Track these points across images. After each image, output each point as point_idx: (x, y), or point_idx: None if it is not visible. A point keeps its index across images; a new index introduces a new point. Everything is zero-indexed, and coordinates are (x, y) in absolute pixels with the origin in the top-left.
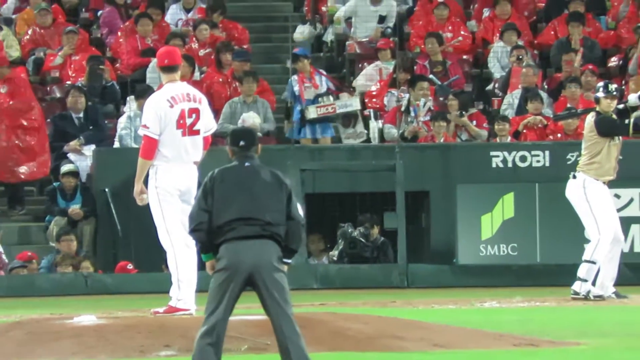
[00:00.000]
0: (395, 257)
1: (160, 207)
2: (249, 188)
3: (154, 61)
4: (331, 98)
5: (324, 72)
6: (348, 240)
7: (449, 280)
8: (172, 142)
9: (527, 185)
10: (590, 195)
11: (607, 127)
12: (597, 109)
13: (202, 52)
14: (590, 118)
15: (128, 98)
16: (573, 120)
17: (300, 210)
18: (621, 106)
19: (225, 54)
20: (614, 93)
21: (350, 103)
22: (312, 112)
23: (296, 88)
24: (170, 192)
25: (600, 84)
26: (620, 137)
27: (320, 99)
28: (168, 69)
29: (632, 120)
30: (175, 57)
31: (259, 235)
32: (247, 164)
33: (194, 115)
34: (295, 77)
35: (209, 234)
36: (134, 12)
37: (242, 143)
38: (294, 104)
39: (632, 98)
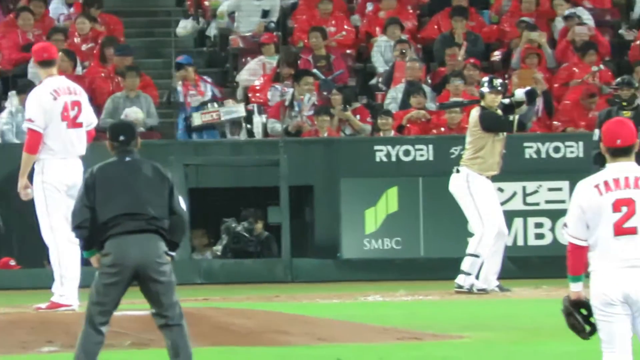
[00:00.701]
0: (279, 251)
1: (46, 202)
2: (131, 183)
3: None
4: (216, 105)
5: (209, 80)
6: (232, 235)
7: (333, 275)
8: (57, 135)
9: (410, 180)
10: (474, 190)
11: (491, 123)
12: (482, 103)
13: (84, 47)
14: (475, 113)
15: (9, 93)
16: (457, 110)
17: (182, 204)
18: (507, 101)
19: (109, 49)
20: (499, 88)
21: (235, 110)
22: (196, 119)
23: (181, 96)
24: (57, 188)
25: (485, 79)
26: (505, 133)
27: (205, 106)
28: (46, 63)
29: (516, 116)
30: (52, 52)
31: (144, 229)
32: (127, 158)
33: (76, 108)
34: (179, 84)
35: (92, 230)
36: (17, 6)
37: (122, 138)
38: (178, 112)
39: (518, 93)
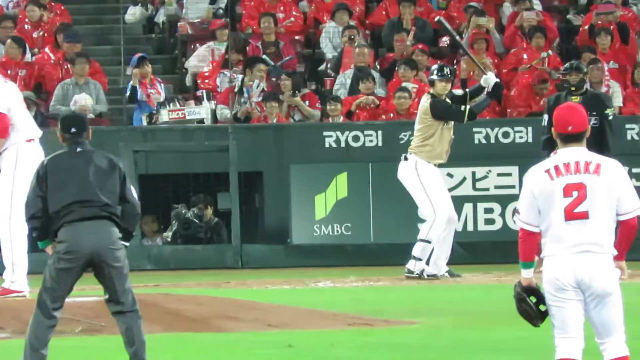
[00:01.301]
0: (229, 237)
1: (12, 190)
2: (82, 172)
3: None
4: (178, 104)
5: (162, 81)
6: (182, 221)
7: (283, 261)
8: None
9: (360, 165)
10: (423, 177)
11: (442, 112)
12: (432, 91)
13: (35, 34)
14: (425, 101)
15: None
16: (406, 95)
17: (134, 193)
18: (460, 92)
19: (60, 36)
20: (449, 76)
21: (198, 111)
22: (164, 116)
23: (141, 93)
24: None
25: (435, 66)
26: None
27: (168, 105)
28: None
29: (468, 107)
30: None
31: (97, 216)
32: (78, 149)
33: None
34: (136, 81)
35: (45, 220)
36: None
37: (73, 130)
38: (134, 109)
39: (491, 78)
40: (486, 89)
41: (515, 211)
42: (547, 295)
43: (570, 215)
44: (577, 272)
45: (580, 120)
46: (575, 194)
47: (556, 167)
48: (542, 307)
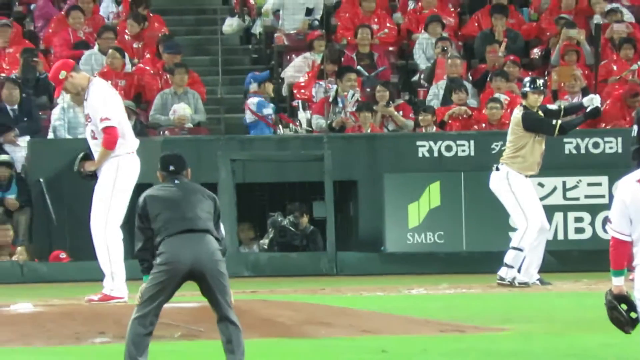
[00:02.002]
0: (324, 245)
1: (110, 199)
2: (180, 196)
3: (86, 53)
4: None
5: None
6: (278, 229)
7: (376, 268)
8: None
9: (452, 174)
10: (515, 187)
11: (532, 123)
12: (524, 103)
13: (136, 45)
14: (517, 113)
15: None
16: (497, 106)
17: (223, 231)
18: (555, 107)
19: (161, 47)
20: (541, 88)
21: None
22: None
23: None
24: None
25: (527, 78)
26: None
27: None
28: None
29: (559, 121)
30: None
31: (196, 229)
32: (176, 181)
33: None
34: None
35: (152, 251)
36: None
37: (171, 168)
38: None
39: (595, 100)
40: (586, 109)
41: (607, 220)
42: (638, 302)
43: None
44: None
45: None
46: None
47: None
48: (633, 315)
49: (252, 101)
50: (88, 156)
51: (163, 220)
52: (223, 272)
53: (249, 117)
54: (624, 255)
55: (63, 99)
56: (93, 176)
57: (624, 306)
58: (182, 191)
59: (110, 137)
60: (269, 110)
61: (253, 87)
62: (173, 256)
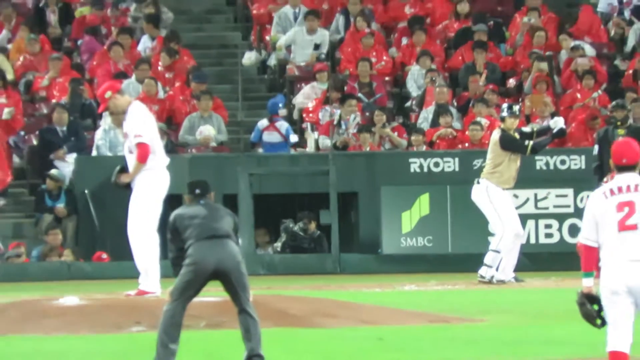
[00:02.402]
0: (330, 247)
1: (143, 207)
2: (206, 212)
3: (125, 82)
4: None
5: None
6: (289, 234)
7: (374, 268)
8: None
9: (440, 187)
10: (493, 198)
11: (508, 144)
12: (502, 126)
13: (168, 75)
14: (496, 134)
15: (104, 114)
16: (478, 128)
17: (240, 242)
18: (528, 129)
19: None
20: (517, 113)
21: None
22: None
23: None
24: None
25: (505, 105)
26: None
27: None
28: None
29: (531, 142)
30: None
31: (219, 235)
32: (201, 202)
33: None
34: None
35: (183, 257)
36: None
37: (197, 191)
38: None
39: (559, 122)
40: (553, 130)
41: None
42: (602, 298)
43: (623, 227)
44: (629, 279)
45: (633, 154)
46: (626, 209)
47: (611, 190)
48: (602, 314)
49: (282, 124)
50: (124, 169)
51: (191, 230)
52: (243, 272)
53: (269, 137)
54: (593, 259)
55: (105, 122)
56: (127, 187)
57: (595, 307)
58: (207, 209)
59: (142, 152)
60: (295, 138)
61: (282, 112)
62: (200, 258)
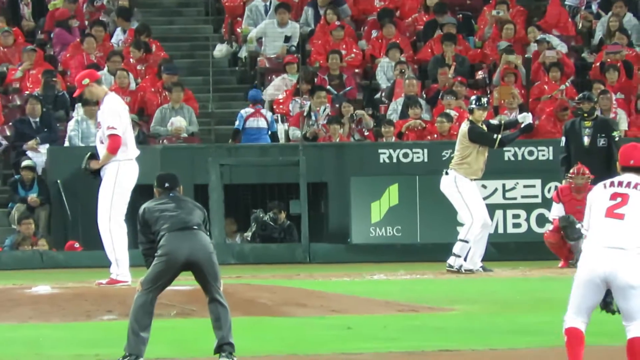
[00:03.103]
0: (299, 237)
1: (112, 198)
2: (176, 204)
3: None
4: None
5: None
6: (260, 224)
7: (344, 257)
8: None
9: (409, 178)
10: (462, 188)
11: (476, 136)
12: (471, 118)
13: (139, 67)
14: (464, 126)
15: (76, 105)
16: (444, 120)
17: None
18: (496, 121)
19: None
20: (485, 105)
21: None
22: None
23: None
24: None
25: (473, 97)
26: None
27: None
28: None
29: (499, 136)
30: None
31: (191, 227)
32: (171, 194)
33: None
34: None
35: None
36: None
37: (166, 185)
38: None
39: (527, 117)
40: (521, 125)
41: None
42: (576, 276)
43: (610, 213)
44: (606, 266)
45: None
46: (618, 199)
47: (611, 182)
48: (614, 306)
49: (267, 112)
50: (94, 156)
51: (162, 222)
52: (215, 262)
53: (255, 123)
54: None
55: (77, 113)
56: (96, 174)
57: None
58: (176, 202)
59: (113, 144)
60: (278, 126)
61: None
62: (172, 249)
